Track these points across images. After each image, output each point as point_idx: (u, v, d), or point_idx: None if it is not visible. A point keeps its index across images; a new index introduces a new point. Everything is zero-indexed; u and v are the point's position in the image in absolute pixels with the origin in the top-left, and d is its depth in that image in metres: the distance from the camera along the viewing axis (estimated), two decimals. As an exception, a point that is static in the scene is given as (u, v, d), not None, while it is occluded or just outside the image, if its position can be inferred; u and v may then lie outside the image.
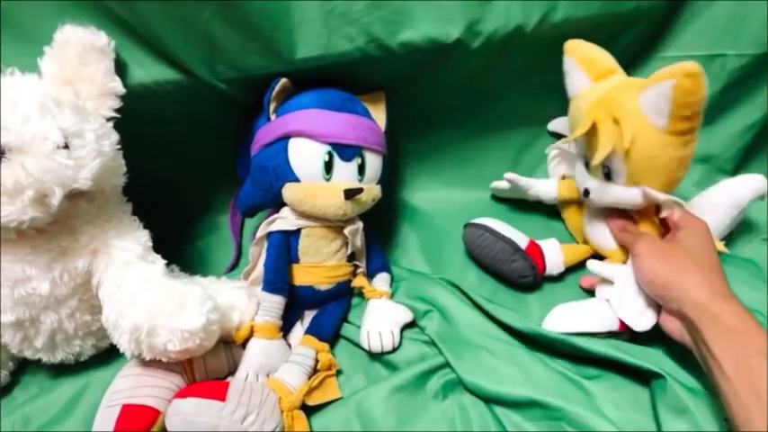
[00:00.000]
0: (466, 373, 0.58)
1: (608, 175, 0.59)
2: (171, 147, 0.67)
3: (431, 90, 0.69)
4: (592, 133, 0.56)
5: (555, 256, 0.67)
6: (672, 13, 0.69)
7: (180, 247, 0.74)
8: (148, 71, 0.57)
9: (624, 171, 0.56)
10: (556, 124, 0.77)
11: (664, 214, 0.59)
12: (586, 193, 0.62)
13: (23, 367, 0.62)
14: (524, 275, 0.66)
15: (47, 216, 0.47)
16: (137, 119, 0.55)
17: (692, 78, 0.49)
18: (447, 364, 0.59)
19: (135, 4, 0.52)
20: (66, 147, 0.47)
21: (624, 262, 0.61)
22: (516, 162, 0.79)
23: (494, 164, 0.78)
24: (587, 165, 0.61)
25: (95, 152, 0.48)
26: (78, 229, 0.52)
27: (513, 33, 0.62)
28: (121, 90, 0.54)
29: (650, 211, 0.62)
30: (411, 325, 0.64)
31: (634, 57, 0.71)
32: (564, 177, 0.73)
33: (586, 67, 0.61)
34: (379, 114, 0.66)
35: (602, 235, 0.65)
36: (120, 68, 0.55)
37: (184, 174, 0.72)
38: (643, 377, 0.56)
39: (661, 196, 0.56)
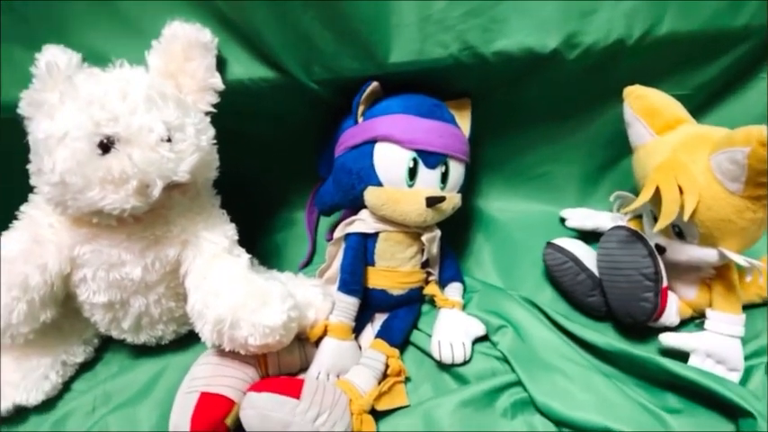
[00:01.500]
0: (538, 394, 0.56)
1: (680, 234, 0.56)
2: (256, 142, 0.68)
3: (518, 99, 0.67)
4: (655, 195, 0.53)
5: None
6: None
7: (257, 240, 0.75)
8: (246, 68, 0.58)
9: (696, 233, 0.54)
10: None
11: (749, 279, 0.55)
12: (660, 249, 0.58)
13: (106, 345, 0.65)
14: (598, 311, 0.64)
15: (145, 205, 0.49)
16: (228, 114, 0.56)
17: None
18: (518, 383, 0.58)
19: (242, 4, 0.53)
20: (169, 140, 0.48)
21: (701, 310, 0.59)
22: (596, 182, 0.76)
23: (574, 180, 0.76)
24: (656, 219, 0.57)
25: (194, 146, 0.50)
26: (171, 220, 0.54)
27: (613, 46, 0.59)
28: (221, 86, 0.55)
29: (729, 268, 0.58)
30: (482, 339, 0.63)
31: (738, 75, 0.67)
32: (634, 218, 0.69)
33: (648, 118, 0.58)
34: (464, 121, 0.66)
35: (679, 286, 0.62)
36: (220, 65, 0.56)
37: (266, 169, 0.73)
38: (730, 413, 0.53)
39: (741, 260, 0.53)
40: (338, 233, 0.64)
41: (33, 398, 0.56)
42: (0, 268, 0.49)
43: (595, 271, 0.63)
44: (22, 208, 0.54)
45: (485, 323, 0.63)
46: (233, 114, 0.57)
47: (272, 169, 0.73)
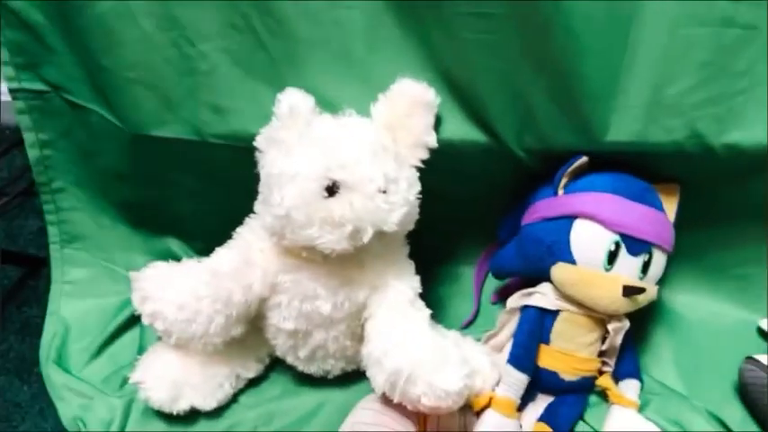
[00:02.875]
0: None
1: None
2: (443, 196, 0.68)
3: (735, 193, 0.61)
4: None
5: None
6: None
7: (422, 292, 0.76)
8: (459, 130, 0.59)
9: None
10: None
11: None
12: None
13: (273, 365, 0.67)
14: None
15: (352, 249, 0.51)
16: (430, 170, 0.57)
17: None
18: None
19: (473, 69, 0.54)
20: (385, 191, 0.50)
21: None
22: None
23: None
24: None
25: (405, 199, 0.51)
26: (367, 264, 0.55)
27: None
28: (434, 144, 0.56)
29: None
30: (657, 448, 0.57)
31: None
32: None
33: None
34: (670, 207, 0.61)
35: None
36: (435, 123, 0.57)
37: (445, 221, 0.73)
38: None
39: None
40: (515, 303, 0.62)
41: (208, 403, 0.60)
42: (210, 281, 0.54)
43: None
44: (238, 229, 0.59)
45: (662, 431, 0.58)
46: (434, 170, 0.58)
47: (451, 222, 0.73)
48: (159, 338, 0.61)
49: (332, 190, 0.49)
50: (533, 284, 0.61)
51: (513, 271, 0.65)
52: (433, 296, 0.76)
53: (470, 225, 0.75)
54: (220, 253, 0.57)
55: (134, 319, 0.71)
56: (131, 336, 0.73)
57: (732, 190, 0.61)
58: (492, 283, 0.77)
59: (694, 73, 0.52)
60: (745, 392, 0.61)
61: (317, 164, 0.49)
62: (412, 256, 0.62)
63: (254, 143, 0.54)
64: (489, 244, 0.75)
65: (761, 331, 0.67)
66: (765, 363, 0.59)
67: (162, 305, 0.55)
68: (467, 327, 0.73)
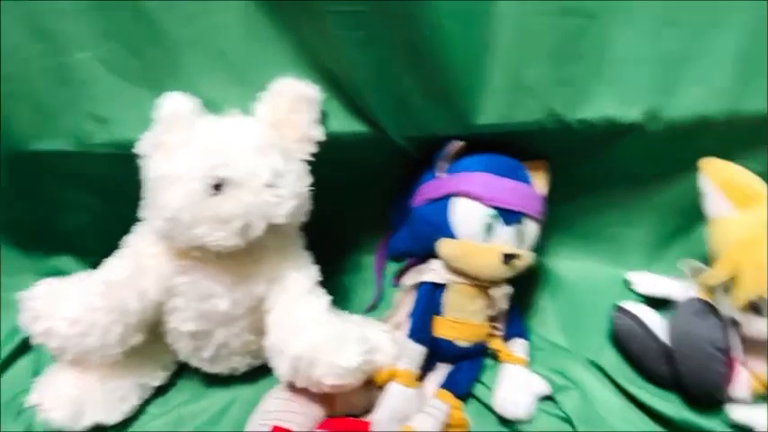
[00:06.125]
0: (604, 459, 0.56)
1: (756, 309, 0.56)
2: (336, 188, 0.70)
3: (595, 164, 0.69)
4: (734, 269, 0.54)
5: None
6: None
7: (325, 281, 0.78)
8: (342, 123, 0.61)
9: None
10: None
11: None
12: (734, 323, 0.58)
13: (179, 372, 0.67)
14: (665, 379, 0.63)
15: (244, 244, 0.52)
16: (318, 163, 0.60)
17: None
18: (582, 444, 0.58)
19: (348, 65, 0.57)
20: (272, 185, 0.52)
21: None
22: (665, 248, 0.76)
23: (642, 245, 0.76)
24: (731, 292, 0.57)
25: (293, 192, 0.53)
26: (261, 258, 0.57)
27: (695, 122, 0.61)
28: (321, 138, 0.59)
29: None
30: (545, 397, 0.63)
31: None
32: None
33: (727, 191, 0.58)
34: (540, 182, 0.67)
35: (753, 362, 0.61)
36: (320, 118, 0.60)
37: (341, 213, 0.76)
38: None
39: None
40: (409, 280, 0.66)
41: (112, 417, 0.59)
42: (103, 291, 0.53)
43: (665, 339, 0.63)
44: (128, 237, 0.58)
45: (549, 382, 0.64)
46: (322, 163, 0.60)
47: (346, 213, 0.76)
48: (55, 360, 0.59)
49: (217, 188, 0.50)
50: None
51: (407, 252, 0.69)
52: (338, 286, 0.79)
53: (369, 214, 0.78)
54: (112, 263, 0.57)
55: (27, 344, 0.68)
56: (25, 362, 0.69)
57: (593, 161, 0.68)
58: (393, 268, 0.80)
59: (545, 58, 0.58)
60: (616, 338, 0.68)
61: (201, 163, 0.50)
62: (315, 248, 0.64)
63: (137, 149, 0.54)
64: (388, 231, 0.79)
65: (629, 284, 0.76)
66: (631, 310, 0.66)
67: (54, 322, 0.53)
68: (370, 311, 0.76)
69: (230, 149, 0.51)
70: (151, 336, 0.60)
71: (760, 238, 0.54)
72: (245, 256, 0.56)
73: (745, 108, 0.60)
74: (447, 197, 0.62)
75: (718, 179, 0.60)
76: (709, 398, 0.60)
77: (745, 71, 0.60)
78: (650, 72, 0.59)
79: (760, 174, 0.61)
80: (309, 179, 0.57)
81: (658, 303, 0.70)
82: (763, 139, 0.63)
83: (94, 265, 0.70)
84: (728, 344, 0.57)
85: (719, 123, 0.61)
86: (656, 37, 0.58)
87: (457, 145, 0.62)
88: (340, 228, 0.78)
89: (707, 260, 0.62)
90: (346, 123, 0.61)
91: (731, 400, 0.60)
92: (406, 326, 0.63)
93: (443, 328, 0.64)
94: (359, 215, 0.78)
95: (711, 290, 0.64)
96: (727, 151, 0.62)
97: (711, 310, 0.59)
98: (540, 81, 0.59)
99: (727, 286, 0.58)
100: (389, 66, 0.56)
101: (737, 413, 0.58)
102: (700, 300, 0.60)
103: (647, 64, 0.59)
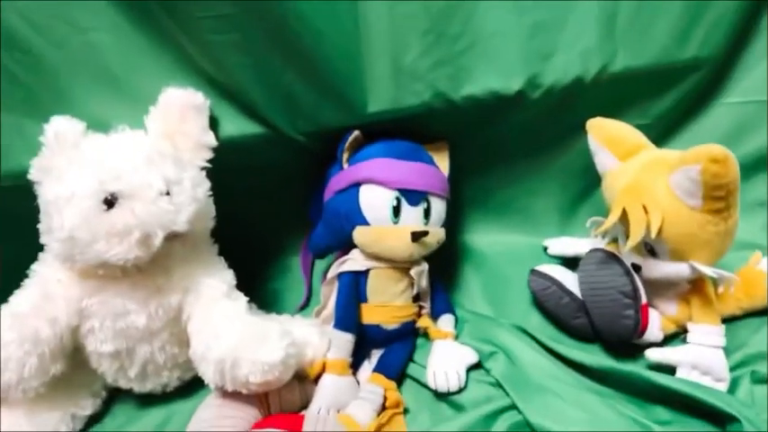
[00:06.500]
0: (533, 416, 0.58)
1: (652, 252, 0.60)
2: (249, 192, 0.72)
3: (492, 138, 0.72)
4: (624, 217, 0.57)
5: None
6: (732, 60, 0.70)
7: (254, 287, 0.78)
8: (236, 126, 0.63)
9: (666, 249, 0.58)
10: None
11: (721, 290, 0.59)
12: (636, 268, 0.62)
13: (113, 397, 0.66)
14: (585, 332, 0.67)
15: (147, 255, 0.52)
16: (222, 168, 0.61)
17: (719, 164, 0.50)
18: (513, 406, 0.60)
19: (227, 67, 0.58)
20: (168, 193, 0.52)
21: (683, 324, 0.62)
22: (574, 211, 0.80)
23: (552, 212, 0.80)
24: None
25: (191, 198, 0.54)
26: (172, 269, 0.57)
27: (573, 84, 0.65)
28: (214, 143, 0.60)
29: (704, 281, 0.62)
30: (476, 366, 0.65)
31: (695, 102, 0.72)
32: (612, 241, 0.71)
33: (610, 146, 0.63)
34: (442, 162, 0.70)
35: (660, 303, 0.65)
36: (213, 123, 0.61)
37: (259, 218, 0.77)
38: (718, 421, 0.55)
39: (710, 271, 0.57)
40: (331, 273, 0.67)
41: (45, 452, 0.58)
42: (12, 324, 0.53)
43: (578, 294, 0.66)
44: (33, 266, 0.57)
45: (477, 351, 0.66)
46: (226, 168, 0.61)
47: (266, 218, 0.77)
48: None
49: (110, 202, 0.50)
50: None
51: (326, 247, 0.70)
52: (268, 290, 0.79)
53: (287, 216, 0.79)
54: (18, 294, 0.56)
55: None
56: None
57: (487, 135, 0.72)
58: (321, 267, 0.82)
59: (420, 41, 0.61)
60: (535, 300, 0.71)
61: (90, 180, 0.50)
62: (238, 255, 0.65)
63: (29, 176, 0.54)
64: (307, 230, 0.80)
65: (545, 249, 0.79)
66: (544, 271, 0.69)
67: (-35, 362, 0.52)
68: (302, 310, 0.77)
69: (119, 163, 0.51)
70: (75, 363, 0.59)
71: (640, 181, 0.57)
72: (154, 269, 0.56)
73: (616, 65, 0.65)
74: (353, 186, 0.64)
75: (601, 136, 0.64)
76: (624, 343, 0.63)
77: (610, 30, 0.64)
78: (523, 43, 0.63)
79: (642, 126, 0.65)
80: (208, 184, 0.58)
81: (577, 264, 0.73)
82: (638, 93, 0.68)
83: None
84: (636, 289, 0.60)
85: (595, 83, 0.65)
86: (522, 10, 0.62)
87: (354, 135, 0.64)
88: (263, 232, 0.79)
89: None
90: (240, 126, 0.63)
91: (648, 342, 0.63)
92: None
93: (370, 314, 0.66)
94: (279, 218, 0.79)
95: (616, 243, 0.68)
96: (609, 109, 0.66)
97: (613, 258, 0.62)
98: (421, 63, 0.61)
99: (627, 235, 0.61)
100: (268, 64, 0.58)
101: (654, 354, 0.61)
102: (600, 250, 0.63)
103: (518, 36, 0.63)
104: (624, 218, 0.58)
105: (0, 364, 0.52)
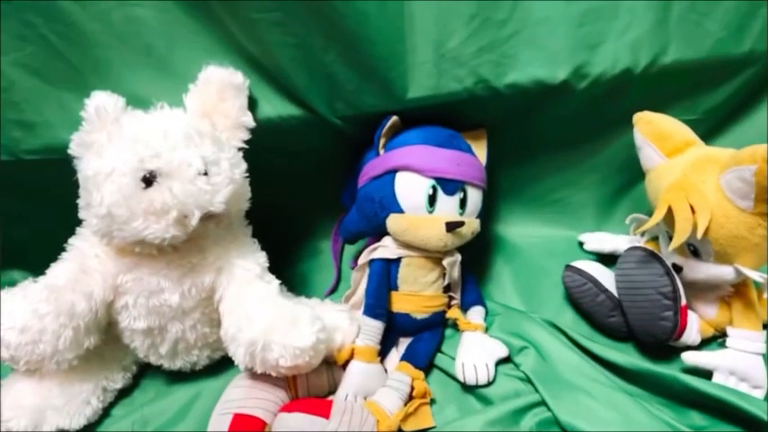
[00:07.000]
0: (563, 413, 0.57)
1: (695, 252, 0.58)
2: (283, 175, 0.72)
3: (533, 128, 0.70)
4: (669, 215, 0.55)
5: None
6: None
7: (285, 269, 0.78)
8: (275, 107, 0.62)
9: (711, 251, 0.56)
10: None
11: (766, 296, 0.57)
12: (677, 268, 0.60)
13: (143, 372, 0.67)
14: (619, 331, 0.65)
15: (183, 235, 0.52)
16: (259, 150, 0.60)
17: None
18: (542, 403, 0.59)
19: (270, 48, 0.57)
20: (206, 173, 0.52)
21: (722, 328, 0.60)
22: (612, 206, 0.78)
23: (590, 205, 0.78)
24: (671, 239, 0.58)
25: (229, 179, 0.54)
26: (207, 249, 0.57)
27: (621, 76, 0.62)
28: (252, 124, 0.59)
29: (747, 285, 0.60)
30: (505, 360, 0.65)
31: (747, 98, 0.69)
32: (651, 239, 0.70)
33: (658, 142, 0.60)
34: (480, 150, 0.69)
35: (699, 305, 0.63)
36: (251, 104, 0.60)
37: (292, 201, 0.77)
38: (754, 430, 0.54)
39: (757, 276, 0.55)
40: (362, 259, 0.67)
41: (76, 422, 0.59)
42: (48, 296, 0.53)
43: (614, 292, 0.65)
44: (70, 240, 0.58)
45: (507, 345, 0.65)
46: (263, 150, 0.61)
47: (299, 201, 0.77)
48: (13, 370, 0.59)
49: (149, 180, 0.50)
50: (381, 242, 0.66)
51: (358, 232, 0.70)
52: (298, 273, 0.79)
53: (320, 199, 0.78)
54: (55, 268, 0.56)
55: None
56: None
57: (529, 126, 0.70)
58: (351, 252, 0.81)
59: (465, 26, 0.59)
60: (569, 296, 0.70)
61: (130, 157, 0.50)
62: (271, 237, 0.65)
63: (69, 151, 0.54)
64: (339, 214, 0.79)
65: (581, 244, 0.77)
66: (579, 267, 0.68)
67: (1, 333, 0.53)
68: (330, 295, 0.77)
69: (159, 141, 0.51)
70: (108, 338, 0.60)
71: (688, 179, 0.55)
72: (189, 248, 0.56)
73: (667, 57, 0.62)
74: (389, 173, 0.63)
75: (648, 131, 0.61)
76: (659, 344, 0.62)
77: (663, 21, 0.61)
78: (571, 31, 0.61)
79: (691, 122, 0.63)
80: (245, 165, 0.57)
81: (614, 261, 0.71)
82: (688, 87, 0.65)
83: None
84: (677, 290, 0.58)
85: (644, 75, 0.62)
86: (571, -4, 0.60)
87: (392, 120, 0.62)
88: (295, 215, 0.79)
89: (651, 214, 0.63)
90: (279, 107, 0.62)
91: (685, 345, 0.62)
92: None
93: (400, 303, 0.65)
94: (312, 201, 0.78)
95: (657, 241, 0.66)
96: (657, 103, 0.64)
97: (654, 257, 0.60)
98: (464, 49, 0.60)
99: (669, 233, 0.59)
100: (310, 44, 0.57)
101: (691, 357, 0.60)
102: (640, 248, 0.62)
103: (566, 23, 0.60)
104: (668, 216, 0.56)
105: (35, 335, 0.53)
